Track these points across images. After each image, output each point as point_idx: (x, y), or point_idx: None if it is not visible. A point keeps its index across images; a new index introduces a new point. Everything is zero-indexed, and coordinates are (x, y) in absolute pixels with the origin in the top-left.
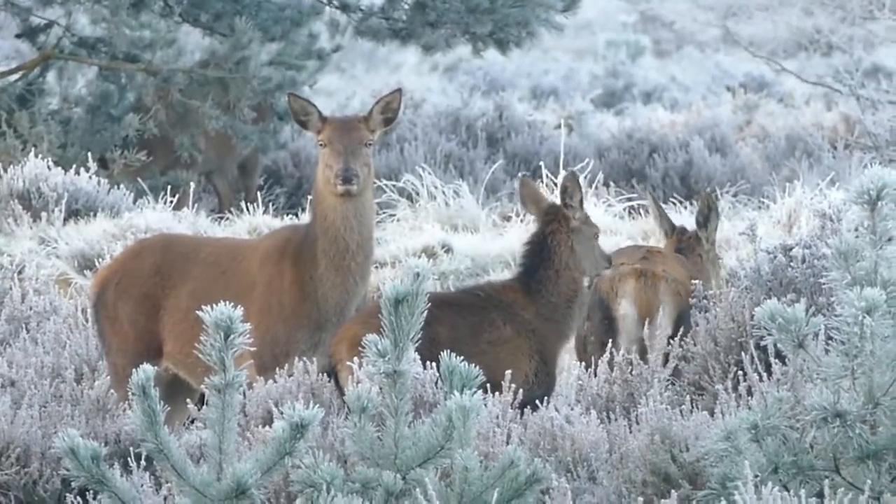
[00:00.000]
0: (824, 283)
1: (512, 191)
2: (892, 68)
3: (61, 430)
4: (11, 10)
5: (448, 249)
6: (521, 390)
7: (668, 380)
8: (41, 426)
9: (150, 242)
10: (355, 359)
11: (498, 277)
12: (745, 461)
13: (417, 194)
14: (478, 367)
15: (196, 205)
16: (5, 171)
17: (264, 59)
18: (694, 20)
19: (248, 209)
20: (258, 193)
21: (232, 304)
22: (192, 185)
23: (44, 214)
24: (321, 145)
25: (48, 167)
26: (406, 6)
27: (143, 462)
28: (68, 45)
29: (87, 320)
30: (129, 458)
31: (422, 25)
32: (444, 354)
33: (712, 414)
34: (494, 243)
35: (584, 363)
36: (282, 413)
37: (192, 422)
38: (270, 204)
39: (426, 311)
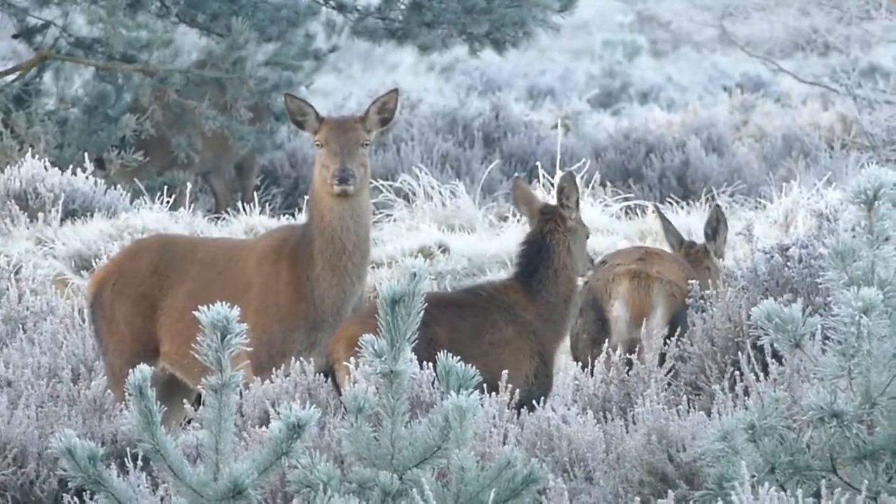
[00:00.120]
0: (821, 283)
1: (508, 191)
2: (889, 68)
3: (58, 430)
4: (8, 10)
5: (445, 249)
6: (520, 391)
7: (665, 380)
8: (38, 426)
9: (146, 243)
10: (353, 358)
11: (495, 277)
12: (741, 461)
13: (414, 194)
14: (479, 368)
15: (193, 205)
16: (2, 171)
17: (261, 60)
18: (690, 20)
19: (244, 209)
20: (255, 193)
21: (228, 304)
22: (189, 185)
23: (41, 215)
24: (318, 145)
25: (45, 167)
26: (402, 6)
27: (139, 462)
28: (65, 46)
29: (83, 321)
30: (125, 459)
31: (418, 25)
32: (443, 355)
33: (709, 414)
34: (491, 243)
35: (579, 363)
36: (278, 413)
37: (189, 422)
38: (267, 204)
39: (425, 312)
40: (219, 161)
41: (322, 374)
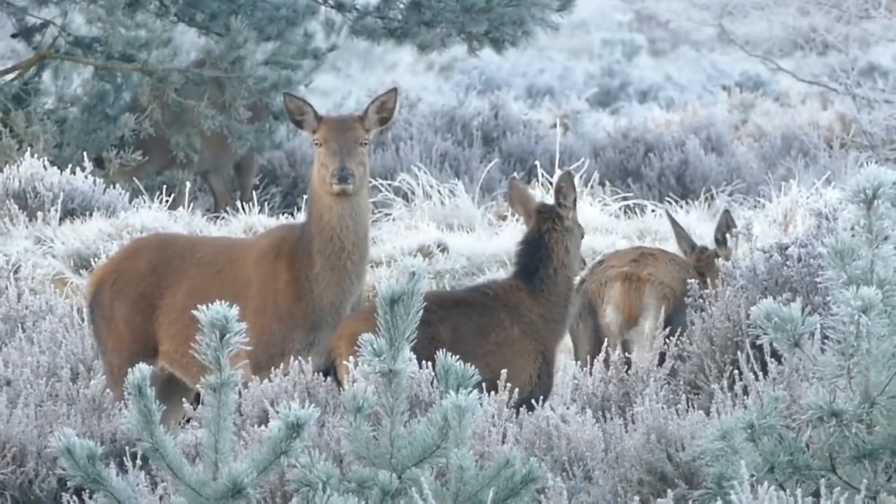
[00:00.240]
0: (820, 283)
1: (506, 190)
2: (888, 67)
3: (57, 429)
4: (7, 9)
5: (444, 249)
6: (522, 391)
7: (664, 379)
8: (37, 425)
9: (145, 242)
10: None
11: (494, 276)
12: (741, 460)
13: (413, 193)
14: (484, 368)
15: (191, 204)
16: (1, 170)
17: (260, 59)
18: (689, 19)
19: (243, 209)
20: (254, 193)
21: (227, 303)
22: (188, 184)
23: (40, 214)
24: (317, 144)
25: (44, 167)
26: (401, 5)
27: (138, 461)
28: (64, 45)
29: (82, 320)
30: (124, 458)
31: (417, 24)
32: (444, 353)
33: (708, 413)
34: (490, 242)
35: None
36: (277, 412)
37: (188, 421)
38: (266, 203)
39: (428, 311)
40: (218, 160)
41: (321, 374)
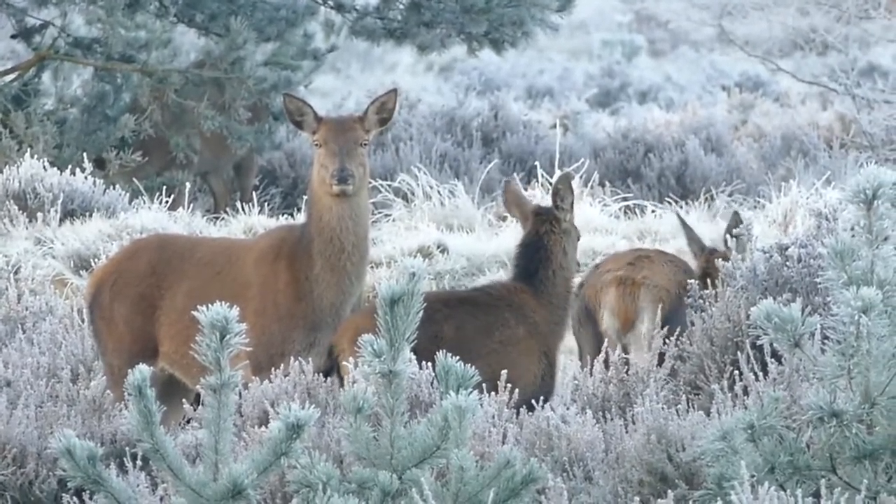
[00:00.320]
0: (820, 283)
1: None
2: (888, 67)
3: (57, 430)
4: (7, 10)
5: (443, 249)
6: (525, 391)
7: (665, 379)
8: (37, 426)
9: (145, 242)
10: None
11: (493, 277)
12: (741, 461)
13: (413, 194)
14: (488, 367)
15: (191, 205)
16: (1, 171)
17: (259, 60)
18: (689, 19)
19: (243, 209)
20: (253, 193)
21: (227, 304)
22: (188, 185)
23: (40, 215)
24: (316, 145)
25: (44, 167)
26: (401, 6)
27: (139, 462)
28: (64, 46)
29: (83, 321)
30: (125, 459)
31: (417, 25)
32: (448, 352)
33: (708, 413)
34: (490, 243)
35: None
36: (278, 413)
37: (188, 422)
38: (266, 204)
39: (432, 309)
40: (217, 161)
41: (322, 374)
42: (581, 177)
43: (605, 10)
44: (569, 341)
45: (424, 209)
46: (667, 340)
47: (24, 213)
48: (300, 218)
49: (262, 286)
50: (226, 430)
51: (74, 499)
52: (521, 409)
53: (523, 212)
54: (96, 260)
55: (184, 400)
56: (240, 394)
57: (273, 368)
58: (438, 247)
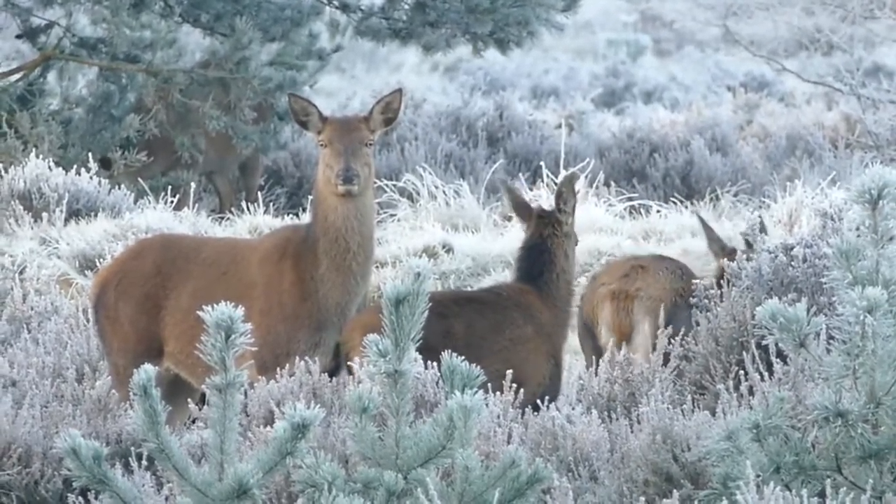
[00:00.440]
0: (825, 283)
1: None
2: (893, 67)
3: (63, 430)
4: (12, 10)
5: (449, 249)
6: (535, 390)
7: (670, 379)
8: (43, 426)
9: (150, 242)
10: None
11: (499, 277)
12: (746, 461)
13: (418, 194)
14: (499, 364)
15: (196, 205)
16: (6, 171)
17: (265, 60)
18: (694, 19)
19: (248, 209)
20: (259, 193)
21: (232, 304)
22: (193, 185)
23: (45, 215)
24: (322, 145)
25: (49, 167)
26: (406, 6)
27: (144, 462)
28: (69, 46)
29: (88, 320)
30: (130, 458)
31: (422, 25)
32: (460, 349)
33: (714, 413)
34: (495, 243)
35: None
36: (283, 413)
37: (194, 421)
38: (271, 204)
39: (442, 306)
40: (223, 161)
41: (327, 374)
42: (586, 177)
43: (610, 9)
44: (573, 341)
45: (430, 209)
46: (672, 341)
47: (30, 213)
48: (305, 218)
49: (267, 286)
50: (231, 430)
51: (80, 499)
52: (527, 409)
53: (529, 213)
54: (101, 260)
55: (189, 400)
56: (245, 394)
57: (278, 368)
58: (444, 247)
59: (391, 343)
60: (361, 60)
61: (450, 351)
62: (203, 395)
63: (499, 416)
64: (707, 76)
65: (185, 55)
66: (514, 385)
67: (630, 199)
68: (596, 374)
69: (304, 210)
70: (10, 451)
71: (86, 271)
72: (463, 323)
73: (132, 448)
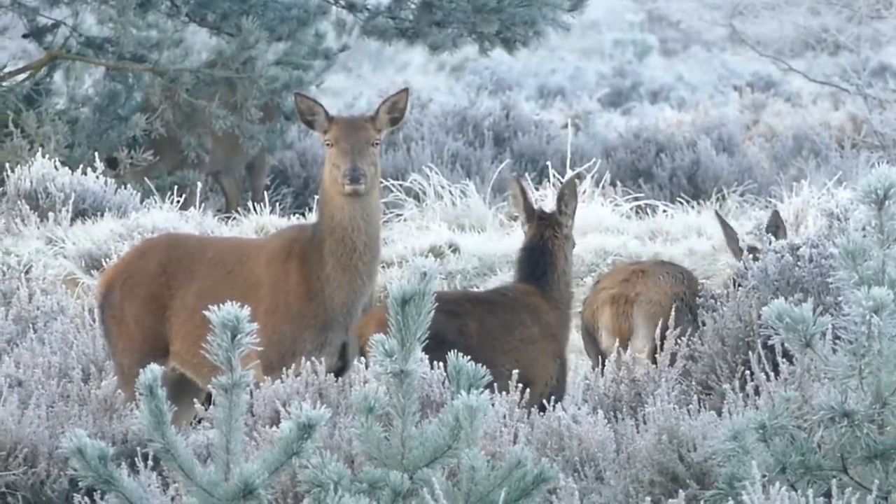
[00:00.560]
0: (832, 283)
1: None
2: None
3: (69, 430)
4: (18, 10)
5: (455, 249)
6: (542, 391)
7: (676, 379)
8: (48, 426)
9: (155, 242)
10: None
11: (505, 277)
12: (752, 461)
13: (424, 194)
14: (510, 363)
15: (203, 205)
16: (13, 171)
17: (271, 59)
18: (700, 19)
19: (254, 209)
20: (265, 193)
21: (238, 303)
22: (199, 184)
23: (51, 214)
24: (328, 145)
25: (55, 167)
26: (413, 5)
27: (150, 462)
28: (75, 45)
29: (94, 320)
30: (136, 458)
31: (428, 25)
32: (473, 346)
33: (720, 413)
34: (501, 243)
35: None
36: (289, 413)
37: (199, 421)
38: (277, 204)
39: (457, 304)
40: (229, 160)
41: (333, 374)
42: (592, 176)
43: (616, 9)
44: (577, 342)
45: (436, 209)
46: (678, 341)
47: (36, 213)
48: (311, 218)
49: (273, 286)
50: (237, 430)
51: (85, 499)
52: (533, 409)
53: (529, 213)
54: (108, 260)
55: (195, 399)
56: (251, 393)
57: (284, 368)
58: (450, 246)
59: (397, 343)
60: (368, 60)
61: (464, 348)
62: (209, 395)
63: (505, 416)
64: (713, 76)
65: (191, 55)
66: (522, 385)
67: (636, 198)
68: (602, 375)
69: (310, 210)
70: (16, 451)
71: (92, 271)
72: (475, 321)
73: (138, 448)
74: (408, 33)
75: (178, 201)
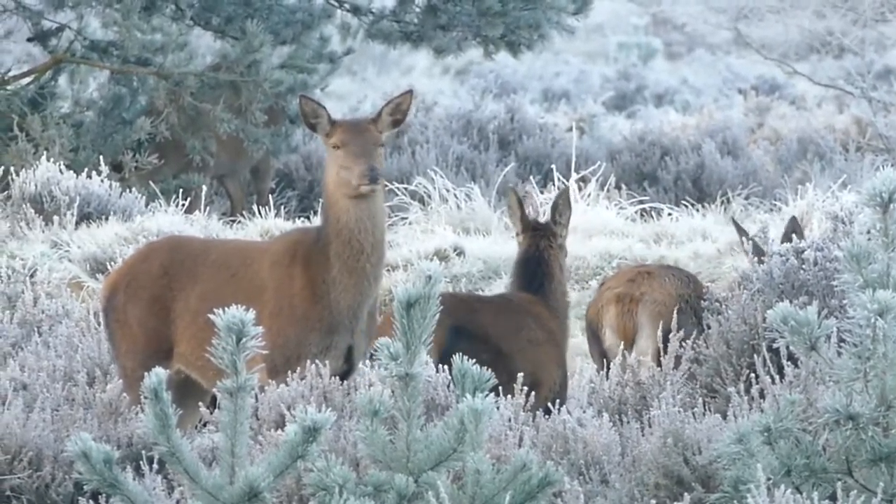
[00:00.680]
0: (836, 286)
1: (524, 194)
2: None
3: (73, 433)
4: (23, 13)
5: (460, 252)
6: (547, 396)
7: (681, 382)
8: (53, 430)
9: (158, 244)
10: None
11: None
12: (757, 464)
13: (429, 197)
14: (521, 363)
15: (208, 208)
16: (17, 174)
17: (275, 63)
18: (705, 22)
19: (259, 212)
20: (270, 197)
21: (241, 306)
22: (204, 188)
23: (56, 218)
24: (334, 147)
25: (60, 171)
26: (417, 9)
27: (155, 465)
28: (80, 49)
29: (99, 324)
30: (141, 462)
31: (433, 28)
32: (489, 345)
33: (725, 417)
34: (506, 246)
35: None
36: (294, 417)
37: (205, 425)
38: (282, 207)
39: (470, 304)
40: (234, 164)
41: (338, 377)
42: (597, 180)
43: (621, 12)
44: (582, 344)
45: (441, 212)
46: (683, 344)
47: (41, 217)
48: (316, 221)
49: (278, 289)
50: (242, 434)
51: (90, 502)
52: (538, 413)
53: (523, 223)
54: (112, 263)
55: (200, 403)
56: (256, 397)
57: (289, 372)
58: (455, 250)
59: (402, 346)
60: (372, 63)
61: (484, 342)
62: (214, 398)
63: (510, 420)
64: (718, 79)
65: (196, 58)
66: (529, 388)
67: (641, 202)
68: (607, 378)
69: (315, 213)
70: (21, 455)
71: (97, 275)
72: (490, 321)
73: (143, 451)
74: (412, 37)
75: (183, 205)
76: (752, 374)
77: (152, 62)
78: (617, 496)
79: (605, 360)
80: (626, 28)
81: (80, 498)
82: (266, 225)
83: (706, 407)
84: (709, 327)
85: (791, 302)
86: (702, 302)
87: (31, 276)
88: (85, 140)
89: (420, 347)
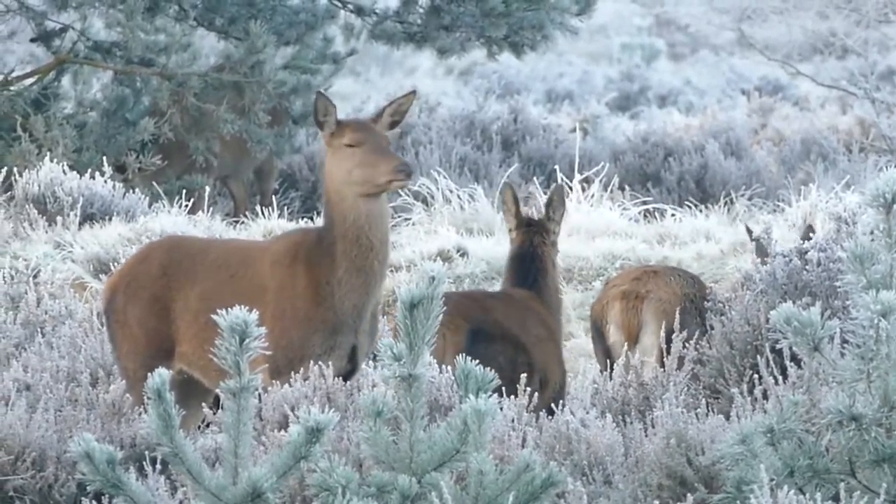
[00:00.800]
0: (839, 287)
1: (527, 195)
2: None
3: (76, 434)
4: (26, 14)
5: (463, 253)
6: (551, 394)
7: (684, 383)
8: (56, 430)
9: (157, 245)
10: None
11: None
12: (760, 465)
13: (432, 198)
14: (531, 359)
15: (211, 209)
16: (21, 175)
17: (279, 63)
18: (708, 23)
19: (263, 213)
20: (273, 197)
21: (243, 306)
22: (208, 189)
23: (59, 219)
24: (348, 146)
25: (63, 171)
26: (421, 10)
27: (158, 466)
28: (83, 50)
29: (102, 324)
30: (144, 462)
31: (436, 29)
32: (501, 341)
33: (728, 417)
34: (509, 247)
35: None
36: (297, 417)
37: (208, 425)
38: (286, 208)
39: (480, 301)
40: (237, 165)
41: (342, 378)
42: (601, 180)
43: (624, 13)
44: (586, 344)
45: (444, 213)
46: (686, 345)
47: (44, 217)
48: (319, 222)
49: (279, 290)
50: (245, 434)
51: (93, 503)
52: (541, 413)
53: (517, 220)
54: (116, 264)
55: (203, 403)
56: (259, 398)
57: (292, 372)
58: (458, 250)
59: (406, 347)
60: (376, 64)
61: (501, 340)
62: (217, 399)
63: (513, 420)
64: (721, 80)
65: (199, 59)
66: (544, 383)
67: (644, 202)
68: (610, 378)
69: (318, 213)
70: (24, 455)
71: (100, 275)
72: (501, 317)
73: (146, 452)
74: (416, 37)
75: (187, 205)
76: (756, 375)
77: (156, 63)
78: (620, 497)
79: (608, 359)
80: (629, 29)
81: (83, 499)
82: (269, 226)
83: (709, 408)
84: (712, 328)
85: (794, 303)
86: (705, 303)
87: (35, 276)
88: (88, 141)
89: (423, 348)
